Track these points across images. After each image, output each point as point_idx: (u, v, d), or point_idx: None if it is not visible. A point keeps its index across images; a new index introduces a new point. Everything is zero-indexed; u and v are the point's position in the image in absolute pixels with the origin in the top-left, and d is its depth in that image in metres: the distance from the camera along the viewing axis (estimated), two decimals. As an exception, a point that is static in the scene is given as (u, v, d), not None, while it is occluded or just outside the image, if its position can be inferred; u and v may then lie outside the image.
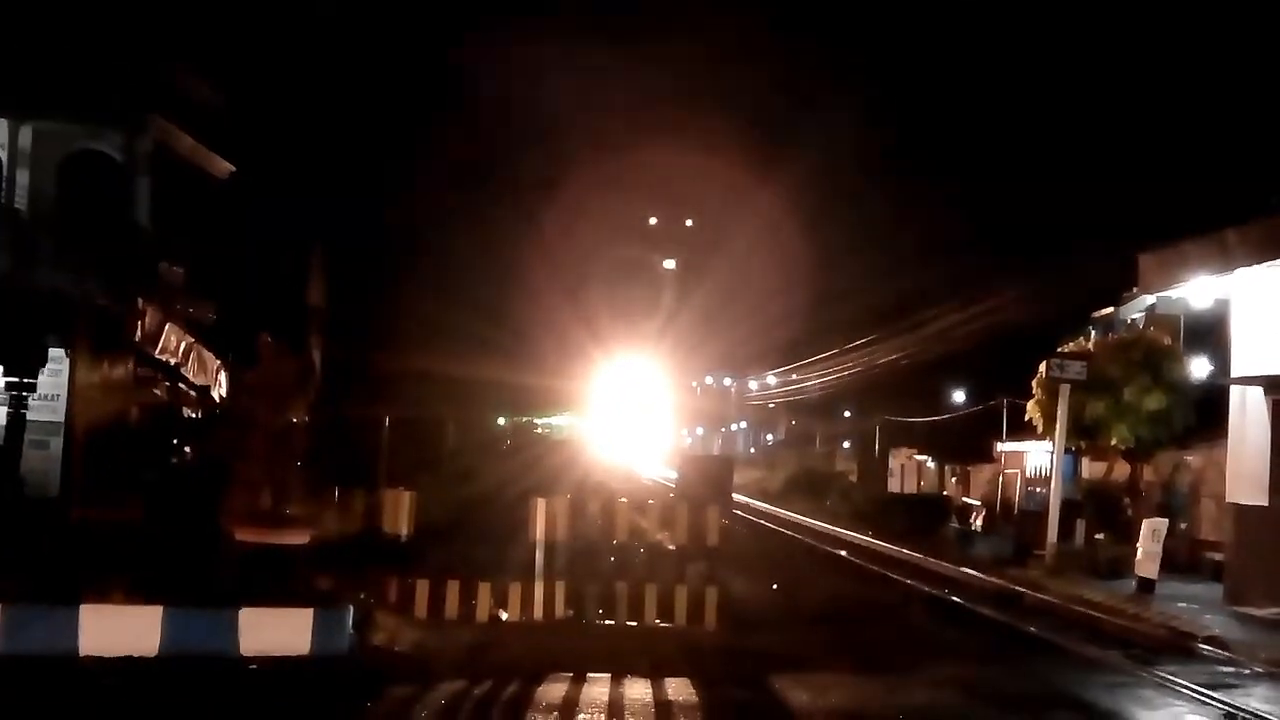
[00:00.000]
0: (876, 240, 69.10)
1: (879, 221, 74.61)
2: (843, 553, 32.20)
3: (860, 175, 77.37)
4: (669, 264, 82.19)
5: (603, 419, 54.20)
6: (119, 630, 12.28)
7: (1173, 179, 40.68)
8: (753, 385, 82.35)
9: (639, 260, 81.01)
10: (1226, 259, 21.57)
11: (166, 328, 18.54)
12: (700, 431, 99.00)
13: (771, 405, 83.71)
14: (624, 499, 18.32)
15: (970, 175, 66.27)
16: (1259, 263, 20.88)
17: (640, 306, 72.97)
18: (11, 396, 15.42)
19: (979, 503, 41.30)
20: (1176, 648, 17.67)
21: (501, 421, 61.65)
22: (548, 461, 34.62)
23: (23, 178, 27.56)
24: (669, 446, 78.13)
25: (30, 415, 15.54)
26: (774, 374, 77.86)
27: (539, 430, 68.47)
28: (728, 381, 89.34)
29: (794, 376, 72.90)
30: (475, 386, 40.78)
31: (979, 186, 61.49)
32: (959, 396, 54.94)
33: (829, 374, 61.72)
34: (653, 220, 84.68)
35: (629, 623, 16.39)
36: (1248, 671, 16.08)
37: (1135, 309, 26.67)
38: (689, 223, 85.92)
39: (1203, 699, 14.03)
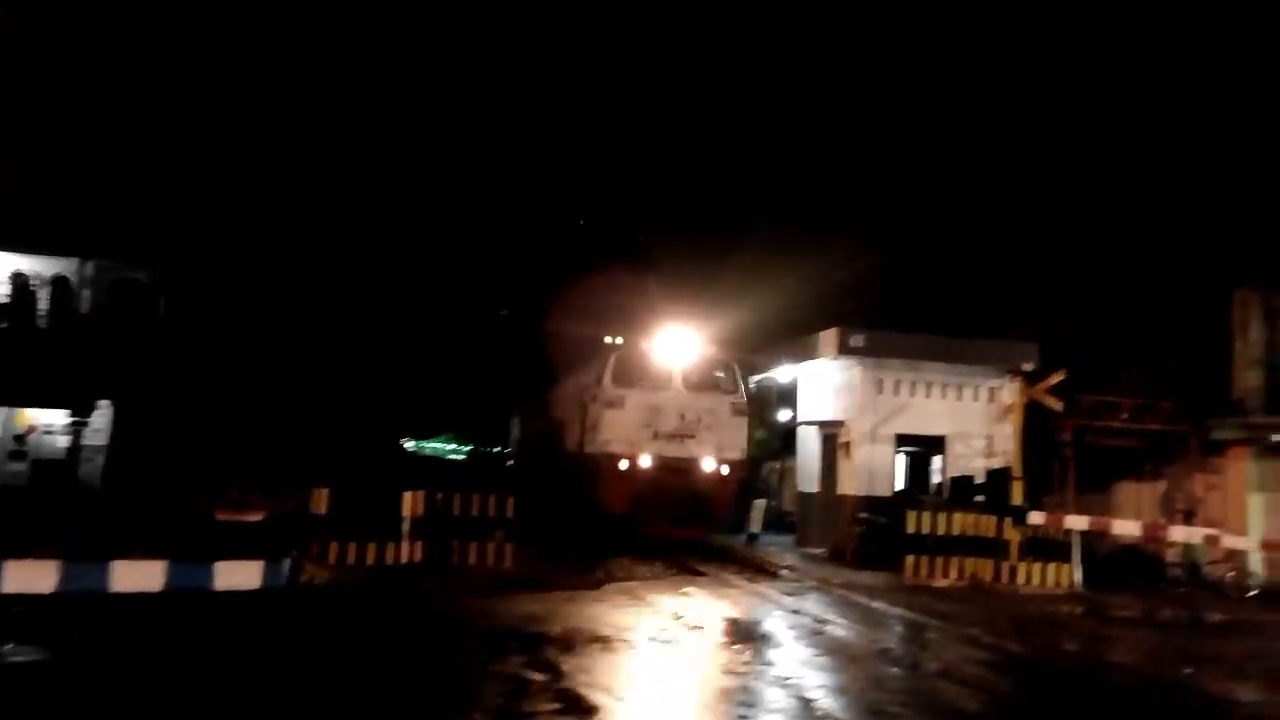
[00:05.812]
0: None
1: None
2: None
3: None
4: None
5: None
6: (139, 576, 11.87)
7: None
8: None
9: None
10: (797, 357, 23.35)
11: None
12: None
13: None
14: (457, 491, 17.26)
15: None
16: (808, 360, 22.73)
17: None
18: (74, 429, 14.96)
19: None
20: (770, 572, 18.67)
21: (409, 444, 56.93)
22: (434, 469, 33.34)
23: (86, 294, 26.54)
24: None
25: (85, 441, 15.07)
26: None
27: (433, 452, 64.10)
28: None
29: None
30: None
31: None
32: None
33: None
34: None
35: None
36: (807, 584, 17.19)
37: (751, 381, 28.15)
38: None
39: (781, 603, 15.02)
